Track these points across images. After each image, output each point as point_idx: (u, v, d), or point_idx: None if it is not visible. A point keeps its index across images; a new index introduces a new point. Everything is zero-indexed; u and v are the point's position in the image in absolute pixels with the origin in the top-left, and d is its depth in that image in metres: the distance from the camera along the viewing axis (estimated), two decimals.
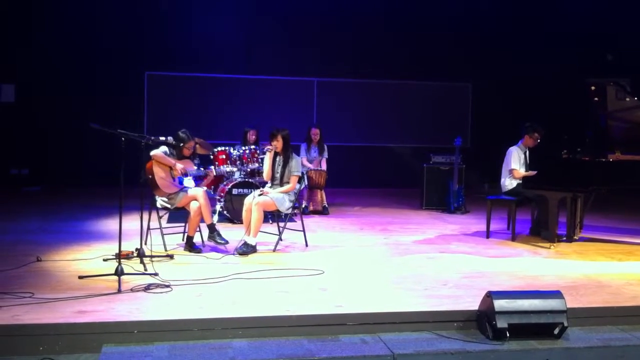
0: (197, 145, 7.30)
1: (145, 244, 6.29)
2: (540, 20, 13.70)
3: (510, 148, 8.13)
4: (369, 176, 13.65)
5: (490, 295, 4.57)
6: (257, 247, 6.74)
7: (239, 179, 8.61)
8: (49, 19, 12.22)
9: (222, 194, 8.59)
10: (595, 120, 7.74)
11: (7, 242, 6.98)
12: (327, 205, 9.95)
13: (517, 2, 13.60)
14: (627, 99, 7.48)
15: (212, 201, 7.60)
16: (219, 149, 8.88)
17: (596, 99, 7.62)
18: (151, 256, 6.09)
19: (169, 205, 6.82)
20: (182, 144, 6.84)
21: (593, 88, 7.64)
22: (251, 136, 9.49)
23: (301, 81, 13.48)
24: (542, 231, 7.84)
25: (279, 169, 7.15)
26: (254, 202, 6.78)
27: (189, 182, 6.99)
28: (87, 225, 8.28)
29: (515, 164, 8.00)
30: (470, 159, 11.22)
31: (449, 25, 13.53)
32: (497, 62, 13.40)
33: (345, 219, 9.37)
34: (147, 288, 5.11)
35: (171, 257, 6.34)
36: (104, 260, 6.08)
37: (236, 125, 10.92)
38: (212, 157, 8.85)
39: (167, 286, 5.19)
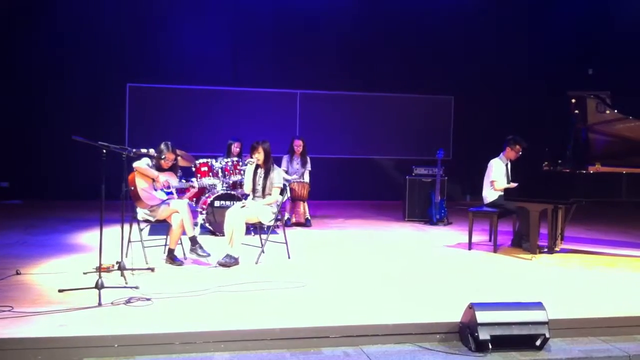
0: (179, 158, 7.26)
1: (126, 256, 6.25)
2: (522, 34, 13.87)
3: (492, 160, 8.20)
4: (351, 188, 13.64)
5: (473, 307, 4.58)
6: (239, 260, 6.71)
7: (221, 191, 8.58)
8: (29, 30, 12.11)
9: (204, 207, 8.55)
10: (575, 132, 7.81)
11: None
12: (309, 217, 9.94)
13: (500, 16, 13.76)
14: (607, 112, 7.57)
15: (194, 213, 7.56)
16: (201, 161, 8.86)
17: (577, 111, 7.70)
18: (132, 269, 6.05)
19: (150, 218, 6.78)
20: (160, 155, 6.78)
21: (574, 101, 7.73)
22: (235, 149, 9.52)
23: (284, 93, 13.48)
24: (523, 243, 7.88)
25: (260, 181, 7.14)
26: (236, 215, 6.76)
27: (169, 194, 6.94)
28: (67, 238, 8.20)
29: (497, 176, 8.05)
30: (453, 171, 11.30)
31: (431, 38, 13.64)
32: (479, 75, 13.56)
33: (328, 231, 9.36)
34: (128, 301, 5.07)
35: (152, 270, 6.28)
36: (84, 273, 6.00)
37: (219, 138, 10.90)
38: (194, 169, 8.82)
39: (148, 299, 5.14)
